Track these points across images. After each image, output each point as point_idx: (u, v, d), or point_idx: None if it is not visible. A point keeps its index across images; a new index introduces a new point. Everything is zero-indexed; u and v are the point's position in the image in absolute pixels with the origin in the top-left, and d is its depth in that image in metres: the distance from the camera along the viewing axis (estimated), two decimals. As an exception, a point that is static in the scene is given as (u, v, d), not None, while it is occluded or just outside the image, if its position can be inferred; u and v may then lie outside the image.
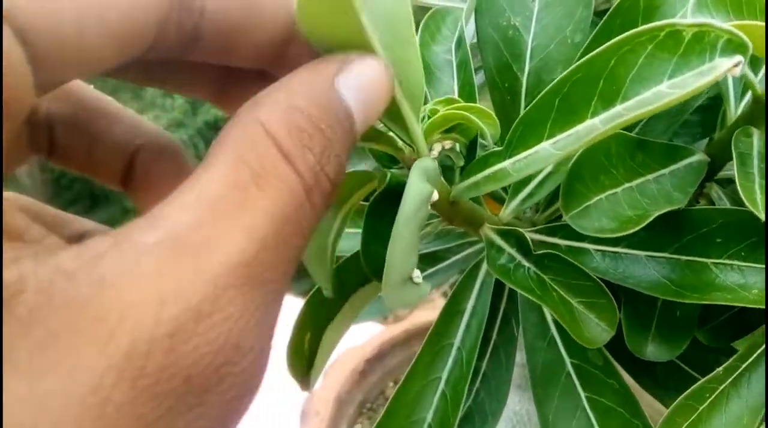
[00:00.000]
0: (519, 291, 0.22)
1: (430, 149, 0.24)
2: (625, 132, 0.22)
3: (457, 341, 0.26)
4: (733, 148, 0.23)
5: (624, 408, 0.25)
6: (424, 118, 0.23)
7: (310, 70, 0.16)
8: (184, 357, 0.11)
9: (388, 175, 0.21)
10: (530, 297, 0.22)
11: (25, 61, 0.12)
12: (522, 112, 0.23)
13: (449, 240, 0.30)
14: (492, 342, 0.31)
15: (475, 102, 0.25)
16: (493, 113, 0.23)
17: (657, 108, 0.16)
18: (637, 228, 0.20)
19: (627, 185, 0.22)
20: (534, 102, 0.20)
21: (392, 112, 0.21)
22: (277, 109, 0.15)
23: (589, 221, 0.21)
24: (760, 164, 0.23)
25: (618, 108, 0.17)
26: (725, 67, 0.15)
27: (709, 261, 0.22)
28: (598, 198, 0.21)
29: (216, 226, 0.12)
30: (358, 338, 0.60)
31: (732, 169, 0.25)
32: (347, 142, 0.16)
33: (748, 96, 0.28)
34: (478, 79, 0.29)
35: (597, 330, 0.22)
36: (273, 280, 0.13)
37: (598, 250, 0.25)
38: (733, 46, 0.15)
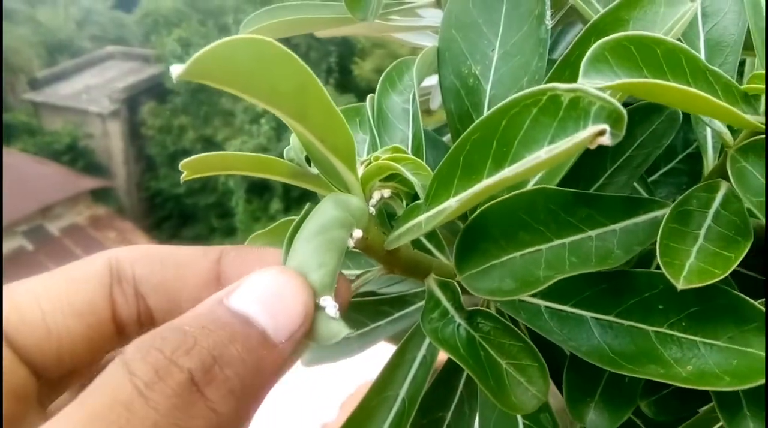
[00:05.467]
0: (441, 348, 0.22)
1: (370, 197, 0.24)
2: (555, 187, 0.21)
3: (402, 392, 0.26)
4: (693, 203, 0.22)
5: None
6: (370, 163, 0.23)
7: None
8: None
9: (307, 207, 0.22)
10: (452, 356, 0.21)
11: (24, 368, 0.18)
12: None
13: (413, 286, 0.29)
14: (458, 393, 0.30)
15: (422, 152, 0.25)
16: (425, 165, 0.22)
17: (527, 172, 0.15)
18: (535, 291, 0.19)
19: (558, 242, 0.21)
20: (445, 158, 0.20)
21: (323, 165, 0.22)
22: (142, 340, 0.15)
23: (488, 281, 0.20)
24: (711, 223, 0.21)
25: (506, 170, 0.17)
26: (581, 136, 0.14)
27: (650, 329, 0.20)
28: (510, 256, 0.20)
29: None
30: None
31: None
32: (251, 346, 0.16)
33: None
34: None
35: (526, 395, 0.21)
36: None
37: (547, 308, 0.24)
38: (605, 113, 0.14)
